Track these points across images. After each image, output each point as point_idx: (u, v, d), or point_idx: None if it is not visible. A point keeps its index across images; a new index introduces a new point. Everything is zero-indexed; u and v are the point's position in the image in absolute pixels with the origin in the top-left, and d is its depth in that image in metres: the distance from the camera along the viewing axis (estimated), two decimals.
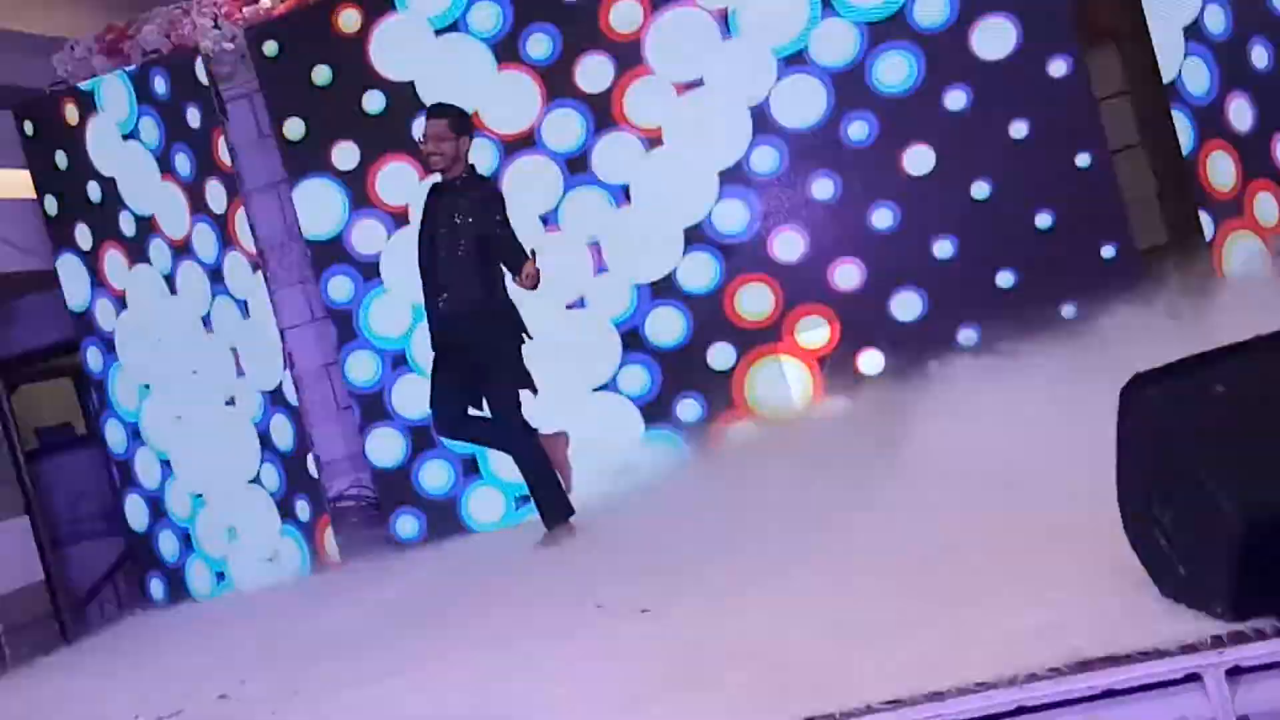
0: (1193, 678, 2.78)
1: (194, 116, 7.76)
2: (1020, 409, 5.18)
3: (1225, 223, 6.80)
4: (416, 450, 7.63)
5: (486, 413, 6.35)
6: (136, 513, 8.09)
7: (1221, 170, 6.80)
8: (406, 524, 7.63)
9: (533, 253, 6.01)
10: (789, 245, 7.25)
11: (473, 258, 6.16)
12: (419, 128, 6.46)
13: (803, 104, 7.19)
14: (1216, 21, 6.78)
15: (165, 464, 8.00)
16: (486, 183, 6.63)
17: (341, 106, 7.65)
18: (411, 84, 7.60)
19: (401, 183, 7.58)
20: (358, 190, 7.64)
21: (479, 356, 6.22)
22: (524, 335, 6.28)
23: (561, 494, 6.28)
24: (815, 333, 7.26)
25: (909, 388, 6.46)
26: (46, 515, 8.21)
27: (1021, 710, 2.87)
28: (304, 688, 4.69)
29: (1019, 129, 7.01)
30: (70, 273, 8.13)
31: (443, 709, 3.99)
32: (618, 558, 5.48)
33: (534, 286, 6.06)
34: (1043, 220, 7.02)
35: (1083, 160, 6.97)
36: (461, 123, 6.43)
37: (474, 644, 4.68)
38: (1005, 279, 7.08)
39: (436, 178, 6.36)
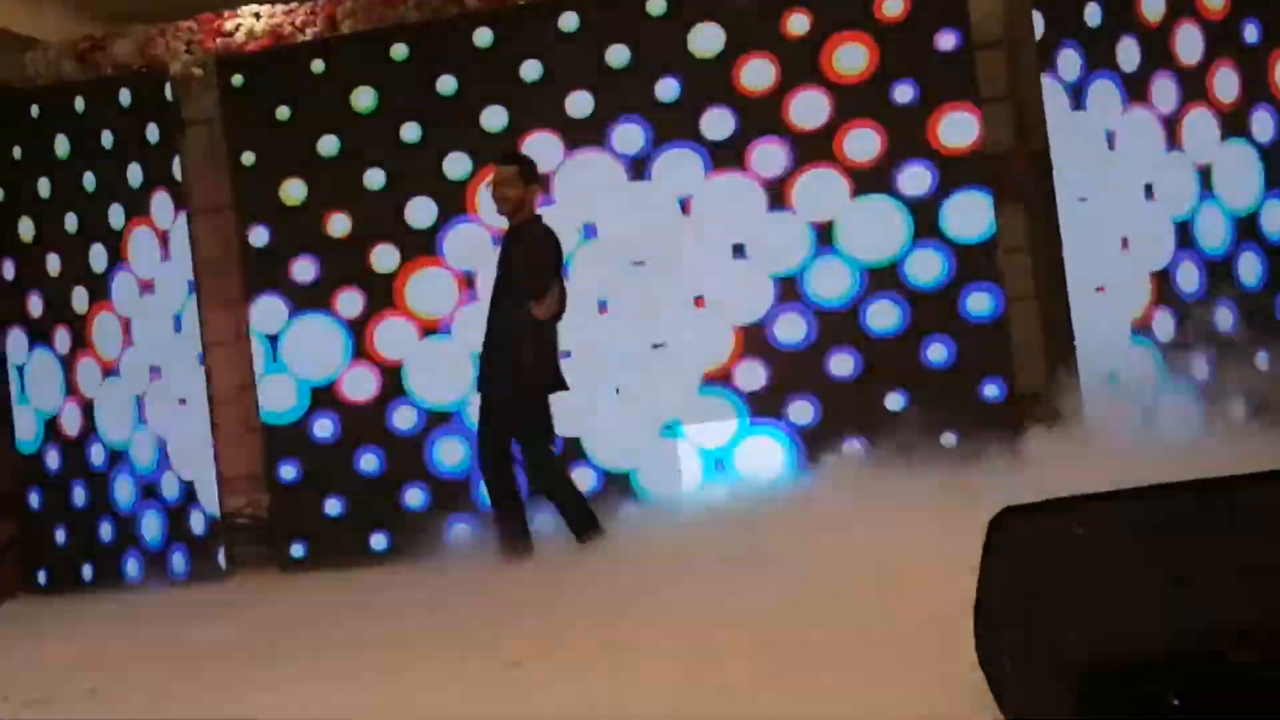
0: None
1: (153, 132, 7.82)
2: (896, 521, 5.22)
3: (1102, 377, 7.00)
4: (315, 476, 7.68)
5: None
6: (39, 502, 8.05)
7: (1097, 330, 7.02)
8: (298, 546, 7.65)
9: (555, 290, 6.21)
10: None
11: (514, 299, 6.32)
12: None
13: None
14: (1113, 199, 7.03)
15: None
16: (542, 226, 6.57)
17: (296, 145, 7.74)
18: (367, 132, 7.70)
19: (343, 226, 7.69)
20: (304, 228, 7.72)
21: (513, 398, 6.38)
22: (556, 388, 6.44)
23: (586, 511, 6.39)
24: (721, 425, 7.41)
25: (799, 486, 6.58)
26: None
27: None
28: (173, 691, 4.65)
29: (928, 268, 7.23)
30: (8, 264, 8.10)
31: None
32: (503, 607, 5.45)
33: (545, 316, 6.24)
34: (938, 354, 7.23)
35: (980, 305, 7.21)
36: (530, 171, 6.54)
37: (347, 662, 4.68)
38: (895, 401, 7.22)
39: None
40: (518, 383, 6.33)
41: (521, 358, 6.30)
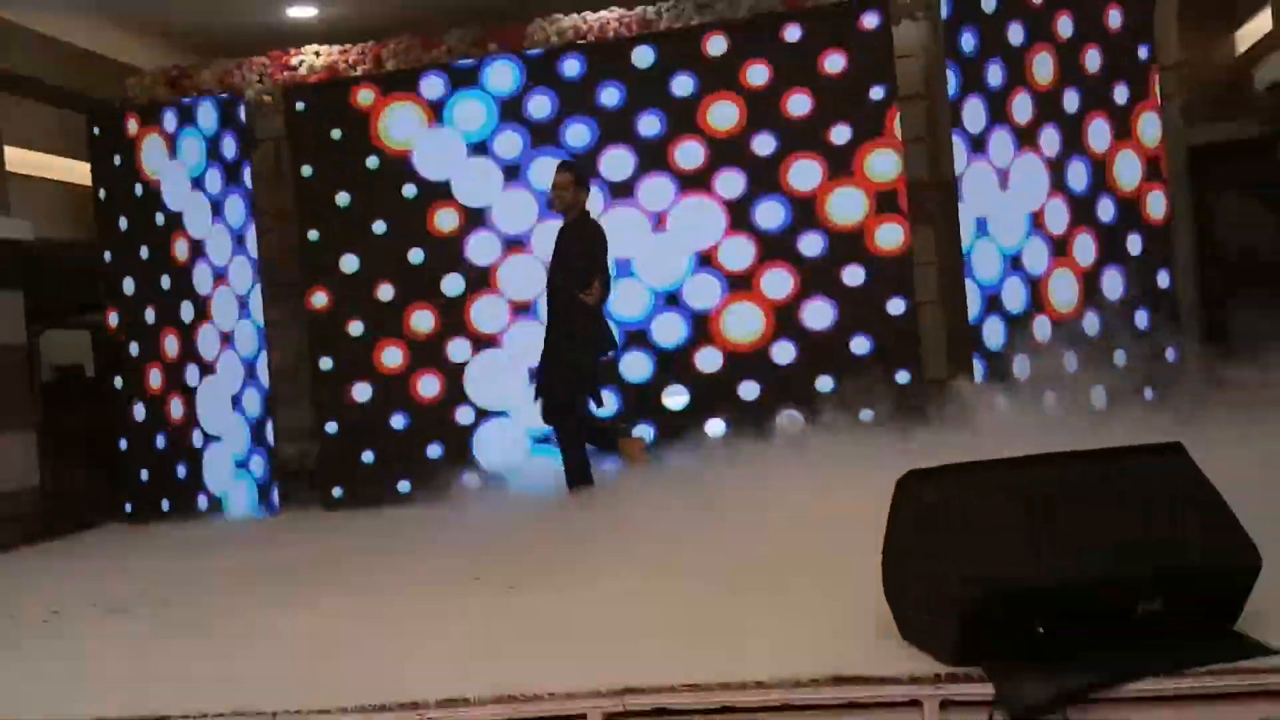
0: (914, 703, 2.80)
1: (229, 146, 7.81)
2: (822, 480, 5.16)
3: (993, 369, 7.09)
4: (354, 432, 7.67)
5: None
6: (125, 442, 8.05)
7: (991, 330, 7.13)
8: (337, 489, 7.65)
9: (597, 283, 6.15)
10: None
11: (569, 285, 6.25)
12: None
13: None
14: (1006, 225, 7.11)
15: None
16: (592, 224, 6.53)
17: (346, 161, 7.71)
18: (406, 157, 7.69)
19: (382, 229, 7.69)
20: (350, 230, 7.69)
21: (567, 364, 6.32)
22: (608, 351, 6.40)
23: (585, 471, 6.34)
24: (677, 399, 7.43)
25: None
26: (51, 435, 8.12)
27: (787, 707, 2.85)
28: (234, 604, 4.64)
29: (856, 276, 7.25)
30: (108, 250, 8.07)
31: (328, 634, 3.90)
32: (507, 542, 5.46)
33: (594, 304, 6.22)
34: (861, 347, 7.27)
35: (896, 308, 7.25)
36: (582, 177, 6.53)
37: (364, 591, 4.63)
38: (824, 383, 7.25)
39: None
40: (576, 349, 6.31)
41: (577, 330, 6.29)
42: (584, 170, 6.64)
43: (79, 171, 8.44)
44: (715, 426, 7.22)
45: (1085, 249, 7.10)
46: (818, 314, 7.31)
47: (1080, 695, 2.73)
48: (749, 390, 7.32)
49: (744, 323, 7.31)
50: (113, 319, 8.09)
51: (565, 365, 6.38)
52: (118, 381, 8.09)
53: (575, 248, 6.35)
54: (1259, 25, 7.72)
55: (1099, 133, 7.09)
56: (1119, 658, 2.79)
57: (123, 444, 8.05)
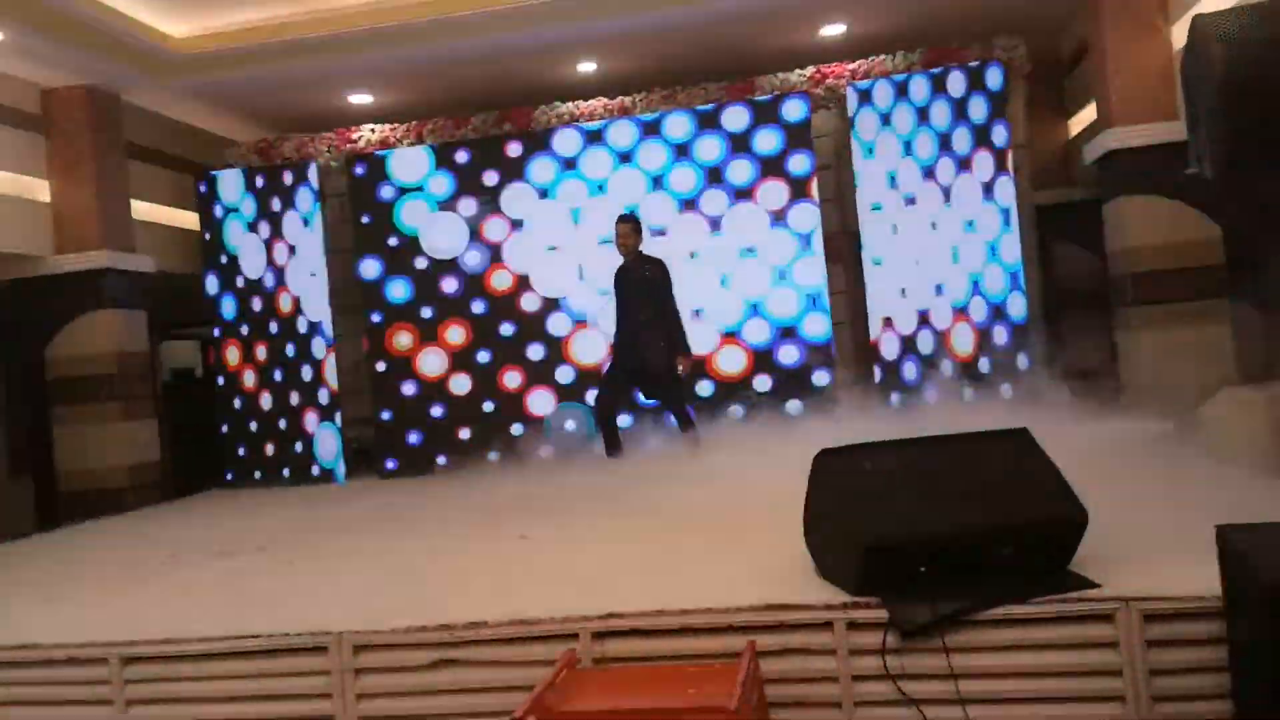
0: (828, 625, 2.83)
1: (305, 199, 7.75)
2: (760, 457, 5.29)
3: (888, 374, 7.16)
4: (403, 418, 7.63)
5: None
6: (226, 427, 7.98)
7: (887, 344, 7.15)
8: (390, 463, 7.61)
9: (686, 358, 6.05)
10: None
11: (652, 312, 6.08)
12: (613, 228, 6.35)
13: None
14: (897, 265, 7.17)
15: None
16: (656, 262, 6.28)
17: (394, 211, 7.70)
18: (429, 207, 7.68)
19: (424, 264, 7.64)
20: (397, 262, 7.67)
21: (652, 374, 6.13)
22: (680, 360, 6.12)
23: (693, 430, 6.15)
24: None
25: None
26: (169, 420, 8.06)
27: (733, 628, 2.87)
28: (315, 550, 4.61)
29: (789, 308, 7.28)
30: (211, 281, 8.00)
31: (382, 572, 3.88)
32: (522, 501, 5.38)
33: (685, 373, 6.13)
34: (790, 356, 7.28)
35: (820, 329, 7.27)
36: (639, 225, 6.36)
37: (410, 540, 4.60)
38: (762, 382, 7.26)
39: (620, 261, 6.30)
40: (651, 360, 6.10)
41: (652, 344, 6.09)
42: (640, 220, 6.49)
43: (189, 220, 8.38)
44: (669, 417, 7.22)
45: (958, 284, 7.17)
46: (757, 330, 7.33)
47: (953, 617, 2.76)
48: (704, 388, 7.33)
49: (702, 339, 7.28)
50: (215, 332, 8.03)
51: (637, 364, 6.16)
52: (220, 380, 8.03)
53: (652, 286, 6.14)
54: (1086, 115, 7.84)
55: (968, 192, 7.16)
56: (981, 590, 2.81)
57: (224, 428, 7.98)
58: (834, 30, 7.70)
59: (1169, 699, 2.68)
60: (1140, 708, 2.68)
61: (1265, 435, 4.26)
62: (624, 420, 6.80)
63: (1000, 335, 7.14)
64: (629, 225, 6.24)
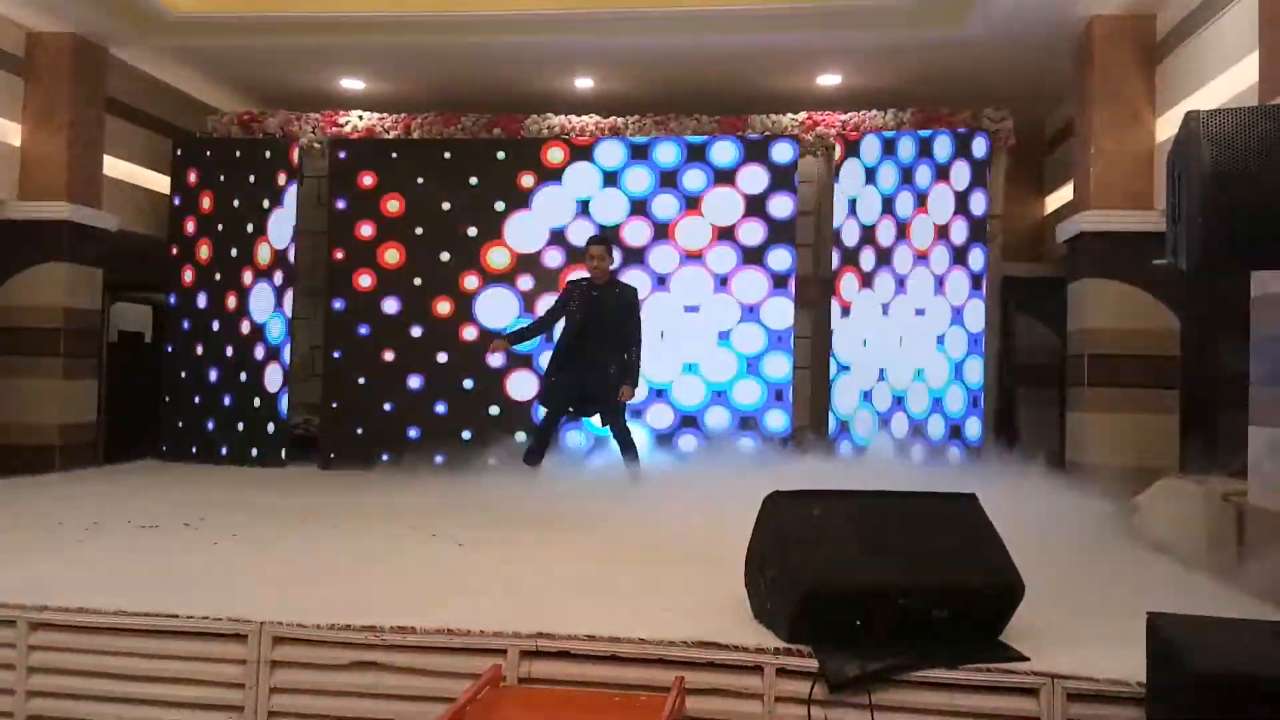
0: (758, 668, 2.81)
1: (281, 179, 7.66)
2: (712, 492, 5.21)
3: (842, 425, 7.24)
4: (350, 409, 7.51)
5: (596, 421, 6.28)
6: (168, 396, 7.77)
7: (844, 395, 7.25)
8: (331, 453, 7.44)
9: (631, 389, 5.97)
10: None
11: (613, 337, 6.01)
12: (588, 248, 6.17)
13: None
14: (863, 316, 7.28)
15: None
16: (629, 289, 6.23)
17: (372, 202, 7.62)
18: (418, 201, 7.59)
19: (395, 258, 7.56)
20: (368, 257, 7.57)
21: (601, 394, 6.02)
22: (625, 390, 6.00)
23: (634, 456, 6.07)
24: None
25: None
26: (109, 383, 7.86)
27: (663, 661, 2.83)
28: (241, 531, 4.52)
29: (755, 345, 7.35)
30: (175, 247, 7.83)
31: (312, 564, 3.81)
32: (462, 508, 5.30)
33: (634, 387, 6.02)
34: (748, 394, 7.31)
35: (782, 372, 7.31)
36: (613, 247, 6.31)
37: (345, 534, 4.51)
38: (720, 418, 7.32)
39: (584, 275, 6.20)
40: (596, 382, 6.01)
41: (604, 367, 6.01)
42: (614, 242, 6.38)
43: (160, 182, 8.23)
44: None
45: (922, 343, 7.26)
46: (721, 366, 7.34)
47: (881, 675, 2.75)
48: (664, 417, 7.30)
49: (660, 368, 7.29)
50: (171, 299, 7.86)
51: (580, 380, 6.07)
52: (168, 348, 7.85)
53: (622, 311, 6.07)
54: (1063, 195, 8.01)
55: (940, 255, 7.27)
56: (912, 650, 2.80)
57: (166, 398, 7.80)
58: (830, 80, 7.82)
59: None
60: None
61: (1198, 528, 4.35)
62: (572, 438, 6.76)
63: (955, 399, 7.23)
64: (603, 247, 6.15)
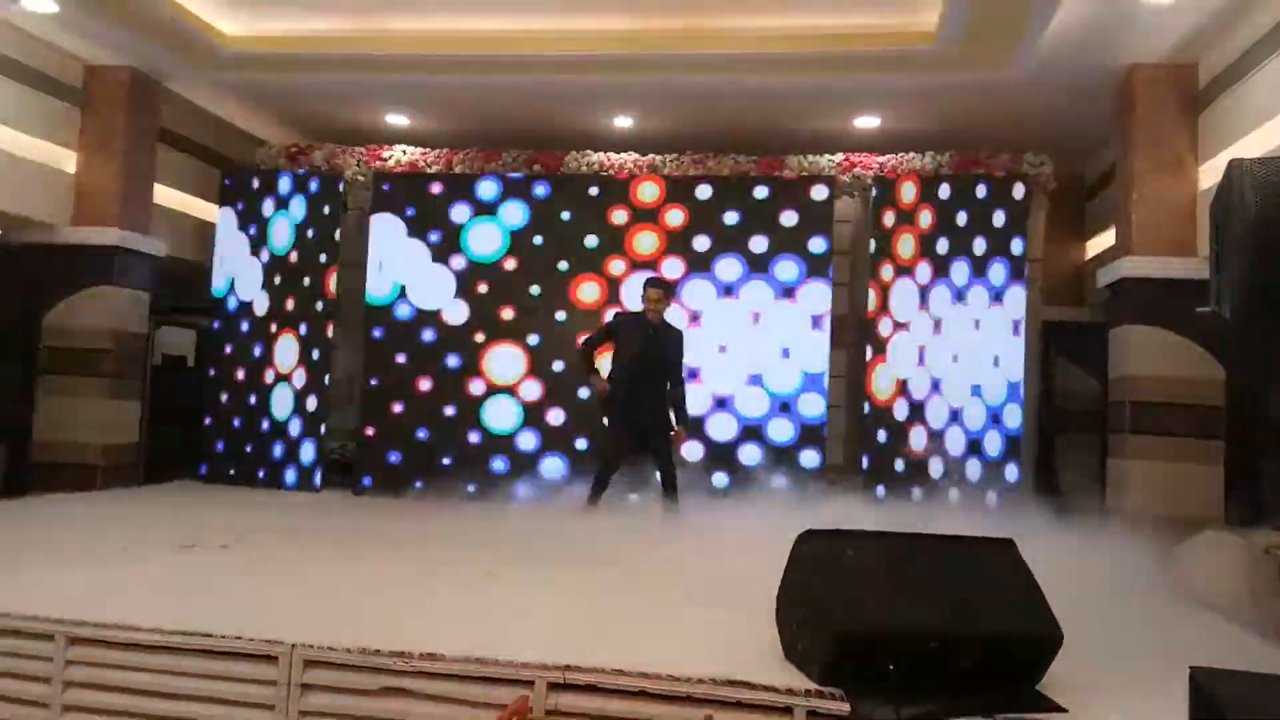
0: (788, 710, 2.77)
1: (328, 209, 7.82)
2: (742, 533, 5.16)
3: (877, 463, 7.15)
4: (386, 437, 7.58)
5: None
6: (209, 419, 7.90)
7: (879, 437, 7.20)
8: (366, 480, 7.53)
9: (684, 428, 6.12)
10: None
11: (664, 376, 6.14)
12: (646, 292, 6.21)
13: None
14: (900, 357, 7.23)
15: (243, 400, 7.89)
16: (679, 332, 6.40)
17: (413, 230, 7.74)
18: (457, 230, 7.73)
19: (436, 274, 7.67)
20: (406, 279, 7.67)
21: (656, 429, 6.11)
22: (679, 429, 6.15)
23: (675, 494, 6.10)
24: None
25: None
26: (151, 405, 7.99)
27: (692, 698, 2.80)
28: (277, 553, 4.56)
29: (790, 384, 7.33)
30: (219, 273, 8.01)
31: (345, 589, 3.84)
32: (494, 538, 5.28)
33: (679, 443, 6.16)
34: (782, 432, 7.29)
35: (815, 409, 7.27)
36: (670, 292, 6.58)
37: (377, 560, 4.56)
38: (750, 454, 7.29)
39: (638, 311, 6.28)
40: (657, 419, 6.12)
41: (660, 405, 6.11)
42: (672, 286, 6.63)
43: (207, 210, 8.42)
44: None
45: (959, 387, 7.19)
46: (754, 402, 7.32)
47: None
48: (694, 452, 7.29)
49: (696, 401, 7.29)
50: (215, 325, 8.01)
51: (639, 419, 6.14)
52: (211, 372, 7.99)
53: (674, 351, 6.23)
54: (1104, 239, 7.94)
55: (978, 298, 7.22)
56: (946, 697, 2.75)
57: (207, 420, 7.92)
58: (868, 122, 7.85)
59: None
60: None
61: (1239, 581, 4.24)
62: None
63: (993, 443, 7.14)
64: (661, 290, 6.27)
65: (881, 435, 7.13)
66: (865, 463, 7.08)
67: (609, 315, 6.83)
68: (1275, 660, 3.28)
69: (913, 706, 2.71)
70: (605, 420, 6.44)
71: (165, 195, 8.05)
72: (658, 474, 6.19)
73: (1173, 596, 4.53)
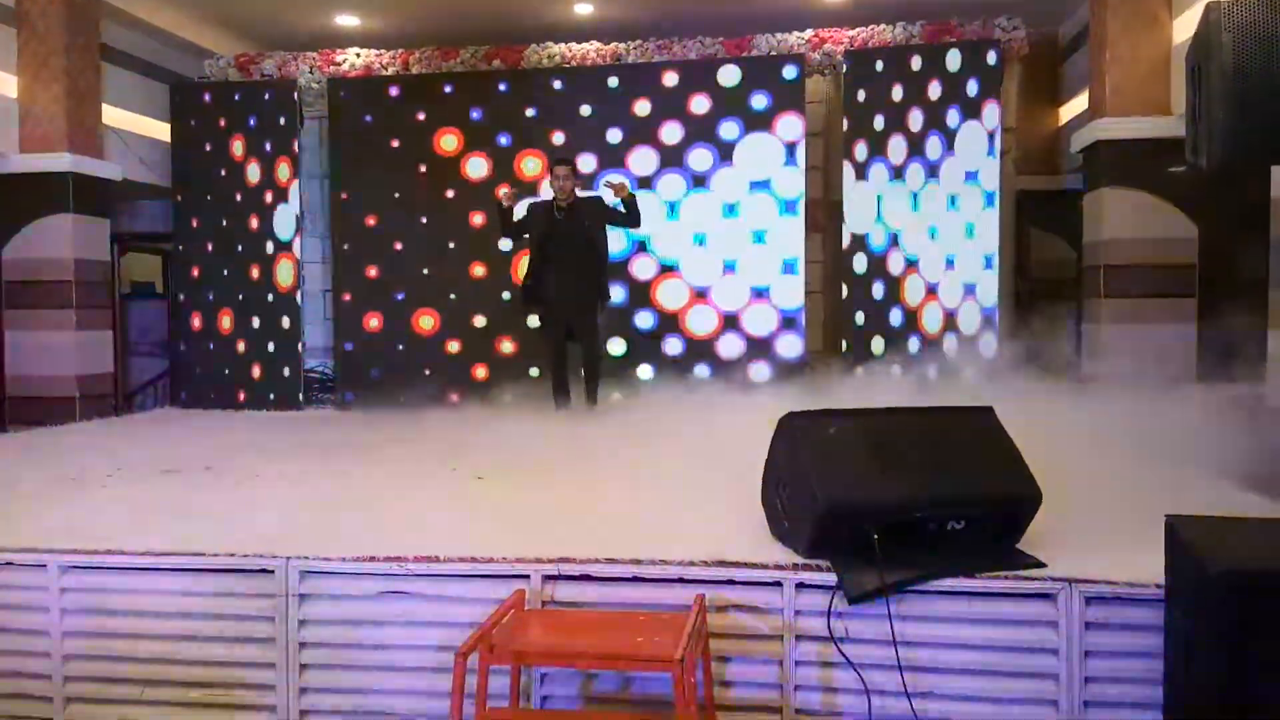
0: (777, 584, 2.84)
1: (282, 120, 7.57)
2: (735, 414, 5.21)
3: (856, 345, 7.19)
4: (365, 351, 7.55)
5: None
6: (183, 345, 7.84)
7: (857, 319, 7.20)
8: (349, 395, 7.52)
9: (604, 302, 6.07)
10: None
11: (584, 256, 6.07)
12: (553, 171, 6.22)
13: None
14: (876, 238, 7.20)
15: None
16: (595, 199, 6.36)
17: (374, 141, 7.55)
18: (418, 137, 7.51)
19: (395, 192, 7.51)
20: (371, 196, 7.52)
21: (578, 315, 6.11)
22: (606, 300, 6.16)
23: (596, 386, 6.15)
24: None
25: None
26: (123, 334, 7.90)
27: (684, 580, 2.86)
28: (260, 470, 4.57)
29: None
30: (180, 195, 7.80)
31: (334, 499, 3.85)
32: (480, 442, 5.30)
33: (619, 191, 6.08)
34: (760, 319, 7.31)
35: (795, 301, 7.28)
36: (575, 168, 6.38)
37: (366, 471, 4.57)
38: (730, 344, 7.32)
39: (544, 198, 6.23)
40: (587, 301, 6.12)
41: (585, 290, 6.11)
42: (575, 163, 6.45)
43: (160, 129, 8.13)
44: (646, 371, 7.25)
45: (933, 261, 7.18)
46: (730, 292, 7.30)
47: (900, 586, 2.77)
48: (674, 346, 7.30)
49: (673, 295, 7.28)
50: (179, 247, 7.85)
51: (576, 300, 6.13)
52: (180, 297, 7.86)
53: (592, 217, 6.15)
54: (1078, 104, 7.82)
55: (953, 171, 7.14)
56: (931, 562, 2.82)
57: (181, 347, 7.84)
58: None
59: (1101, 680, 2.74)
60: (1072, 687, 2.73)
61: (1211, 434, 4.31)
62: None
63: (969, 315, 7.17)
64: (568, 168, 6.15)
65: (861, 316, 7.14)
66: (845, 344, 7.11)
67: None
68: (1247, 505, 3.37)
69: (896, 572, 2.77)
70: (538, 323, 6.49)
71: (116, 117, 7.76)
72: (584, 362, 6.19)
73: (1148, 453, 4.63)
